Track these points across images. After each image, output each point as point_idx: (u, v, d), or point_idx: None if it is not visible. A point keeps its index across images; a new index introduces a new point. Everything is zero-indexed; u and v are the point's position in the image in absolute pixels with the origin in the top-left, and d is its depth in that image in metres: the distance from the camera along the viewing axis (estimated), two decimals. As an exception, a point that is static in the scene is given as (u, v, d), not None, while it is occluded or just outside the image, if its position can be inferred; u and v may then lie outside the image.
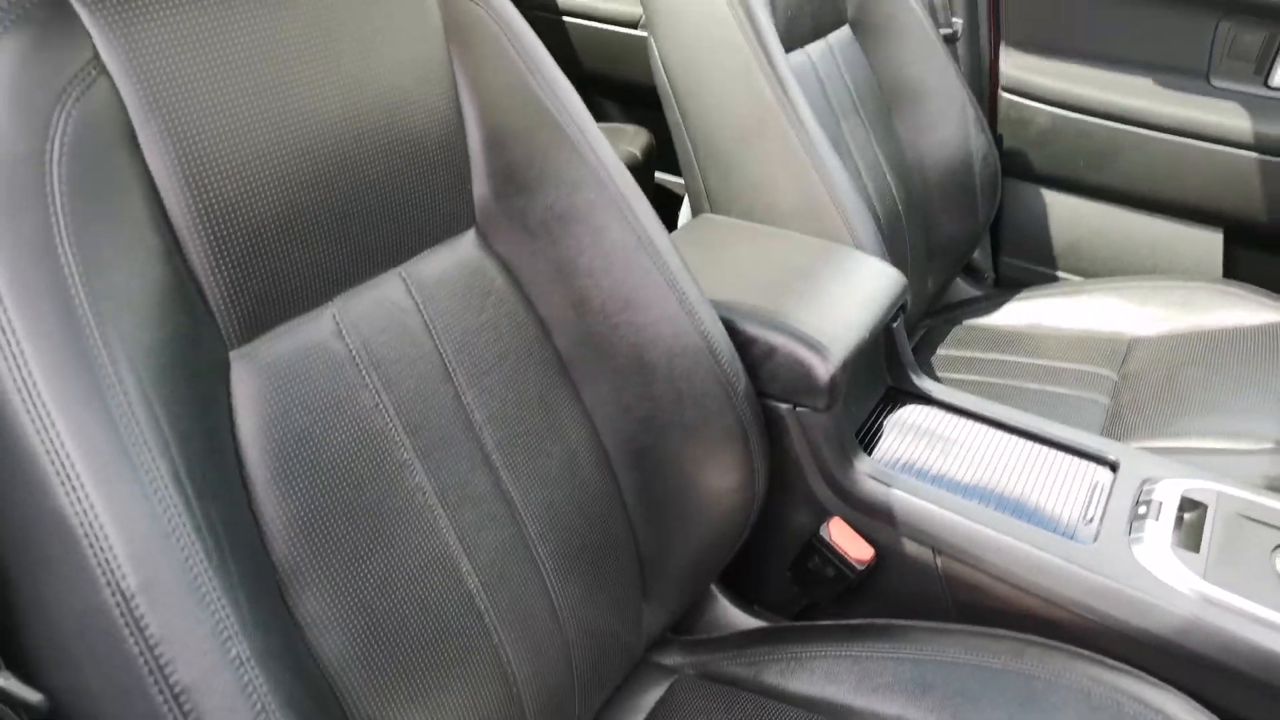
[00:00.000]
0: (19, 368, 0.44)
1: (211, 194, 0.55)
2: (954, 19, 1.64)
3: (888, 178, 1.39)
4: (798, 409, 0.87)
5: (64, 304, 0.46)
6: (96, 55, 0.51)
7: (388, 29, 0.66)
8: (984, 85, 1.73)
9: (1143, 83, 1.60)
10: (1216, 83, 1.55)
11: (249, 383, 0.58)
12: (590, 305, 0.77)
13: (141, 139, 0.53)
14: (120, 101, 0.52)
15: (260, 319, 0.60)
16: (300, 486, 0.59)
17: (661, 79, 1.22)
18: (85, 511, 0.44)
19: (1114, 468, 0.93)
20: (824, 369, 0.85)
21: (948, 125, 1.50)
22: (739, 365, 0.81)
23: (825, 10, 1.37)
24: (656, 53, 1.22)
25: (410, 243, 0.69)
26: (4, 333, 0.44)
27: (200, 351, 0.55)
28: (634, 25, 1.97)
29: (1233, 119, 1.52)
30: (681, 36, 1.17)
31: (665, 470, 0.81)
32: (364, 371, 0.64)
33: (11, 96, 0.47)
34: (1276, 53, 1.50)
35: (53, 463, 0.44)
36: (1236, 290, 1.44)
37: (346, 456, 0.62)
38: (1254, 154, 1.52)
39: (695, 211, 1.26)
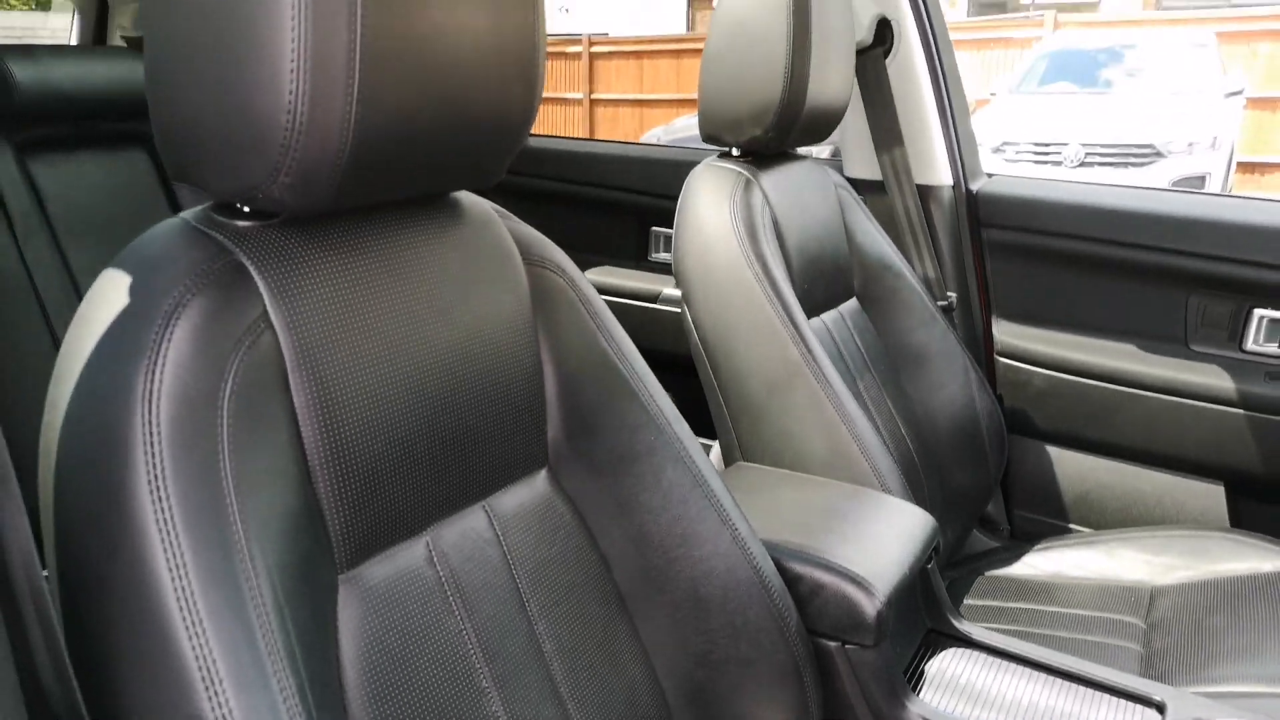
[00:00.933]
0: (181, 576, 0.50)
1: (342, 432, 0.63)
2: (949, 293, 1.81)
3: (902, 431, 1.49)
4: (846, 646, 0.90)
5: (222, 522, 0.52)
6: (265, 313, 0.61)
7: (488, 295, 0.77)
8: (981, 351, 1.88)
9: (1128, 348, 1.74)
10: (1196, 348, 1.69)
11: (353, 607, 0.63)
12: (649, 540, 0.82)
13: (292, 383, 0.61)
14: (279, 351, 0.61)
15: (368, 545, 0.65)
16: (391, 708, 0.61)
17: (695, 342, 1.35)
18: (224, 717, 0.48)
19: (1161, 709, 0.94)
20: (871, 605, 0.89)
21: (952, 386, 1.62)
22: (790, 600, 0.85)
23: (836, 284, 1.53)
24: (690, 320, 1.35)
25: (495, 479, 0.76)
26: (171, 544, 0.50)
27: (319, 573, 0.60)
28: (654, 300, 2.16)
29: (1215, 380, 1.64)
30: (712, 304, 1.31)
31: (721, 707, 0.82)
32: (451, 598, 0.69)
33: (200, 346, 0.56)
34: (1245, 320, 1.64)
35: (200, 667, 0.48)
36: (1246, 539, 1.49)
37: (433, 681, 0.65)
38: (1240, 410, 1.62)
39: (727, 462, 1.34)
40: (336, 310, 0.65)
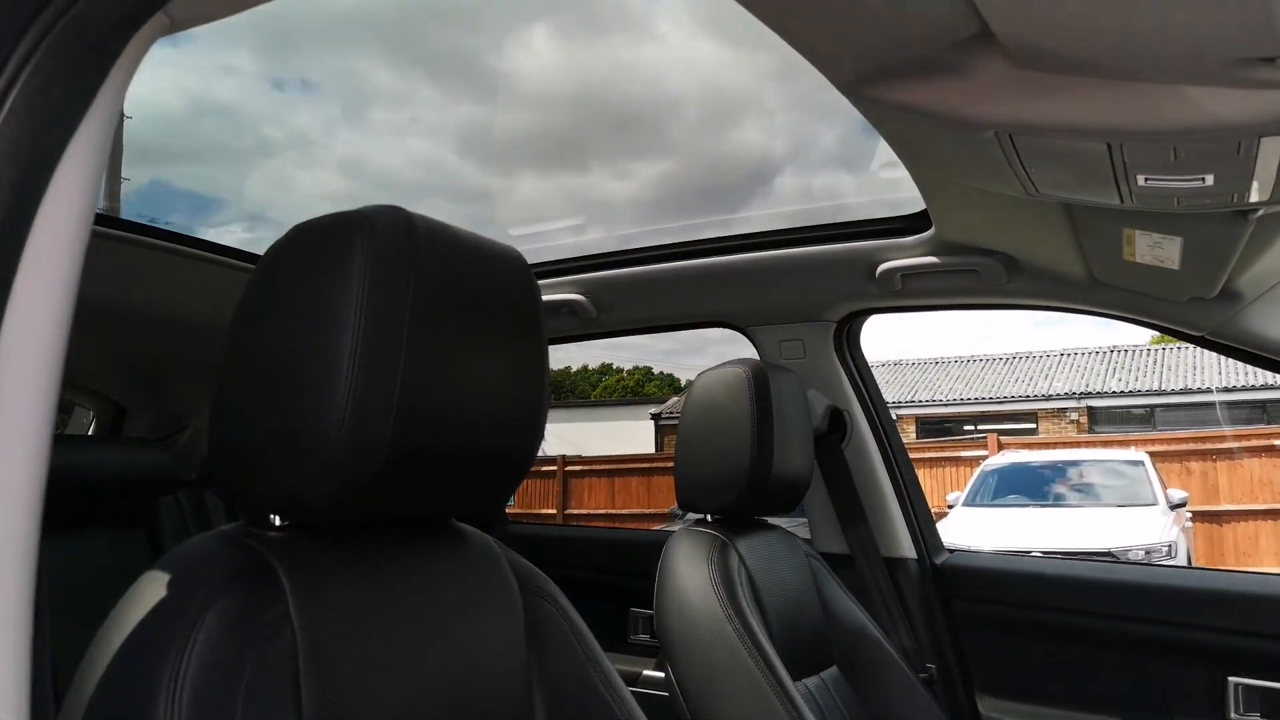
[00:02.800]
0: None
1: None
2: (928, 665, 1.82)
3: None
4: None
5: None
6: (288, 611, 0.67)
7: (486, 620, 0.82)
8: (968, 727, 1.84)
9: None
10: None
11: None
12: None
13: (303, 680, 0.66)
14: (295, 646, 0.66)
15: None
16: None
17: (680, 705, 1.34)
18: None
19: None
20: None
21: None
22: None
23: (815, 650, 1.56)
24: (674, 681, 1.36)
25: None
26: None
27: None
28: (634, 682, 2.13)
29: None
30: (696, 664, 1.33)
31: None
32: None
33: (226, 636, 0.62)
34: (1224, 690, 1.65)
35: None
36: None
37: None
38: None
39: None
40: (350, 613, 0.71)
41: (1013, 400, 16.00)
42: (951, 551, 1.97)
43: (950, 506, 8.59)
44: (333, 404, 0.67)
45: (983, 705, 1.84)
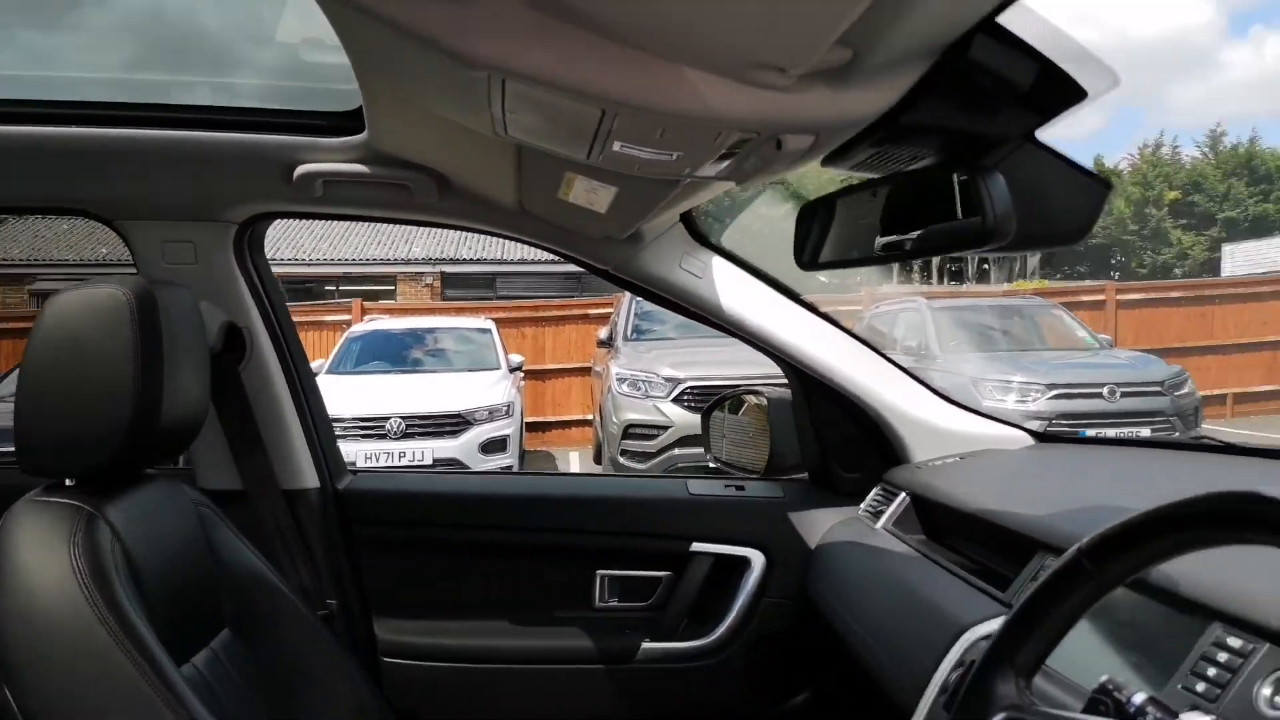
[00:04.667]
0: None
1: None
2: (329, 600, 1.72)
3: None
4: None
5: None
6: None
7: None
8: (366, 656, 1.79)
9: (502, 625, 1.82)
10: (558, 614, 1.85)
11: None
12: None
13: None
14: None
15: None
16: None
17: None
18: None
19: None
20: None
21: (341, 700, 1.50)
22: None
23: (206, 619, 1.33)
24: (14, 710, 1.02)
25: None
26: None
27: None
28: None
29: (577, 641, 1.80)
30: (53, 689, 1.02)
31: None
32: None
33: None
34: (592, 581, 1.86)
35: None
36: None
37: None
38: (600, 666, 1.80)
39: None
40: None
41: (375, 263, 16.32)
42: (354, 473, 1.87)
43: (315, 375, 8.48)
44: None
45: (380, 628, 1.81)
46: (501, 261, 16.72)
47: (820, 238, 1.03)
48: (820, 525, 1.77)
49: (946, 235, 0.81)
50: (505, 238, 1.65)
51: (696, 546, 1.80)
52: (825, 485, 1.83)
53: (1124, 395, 7.25)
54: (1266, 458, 1.29)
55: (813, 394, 1.74)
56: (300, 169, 1.43)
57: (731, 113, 0.77)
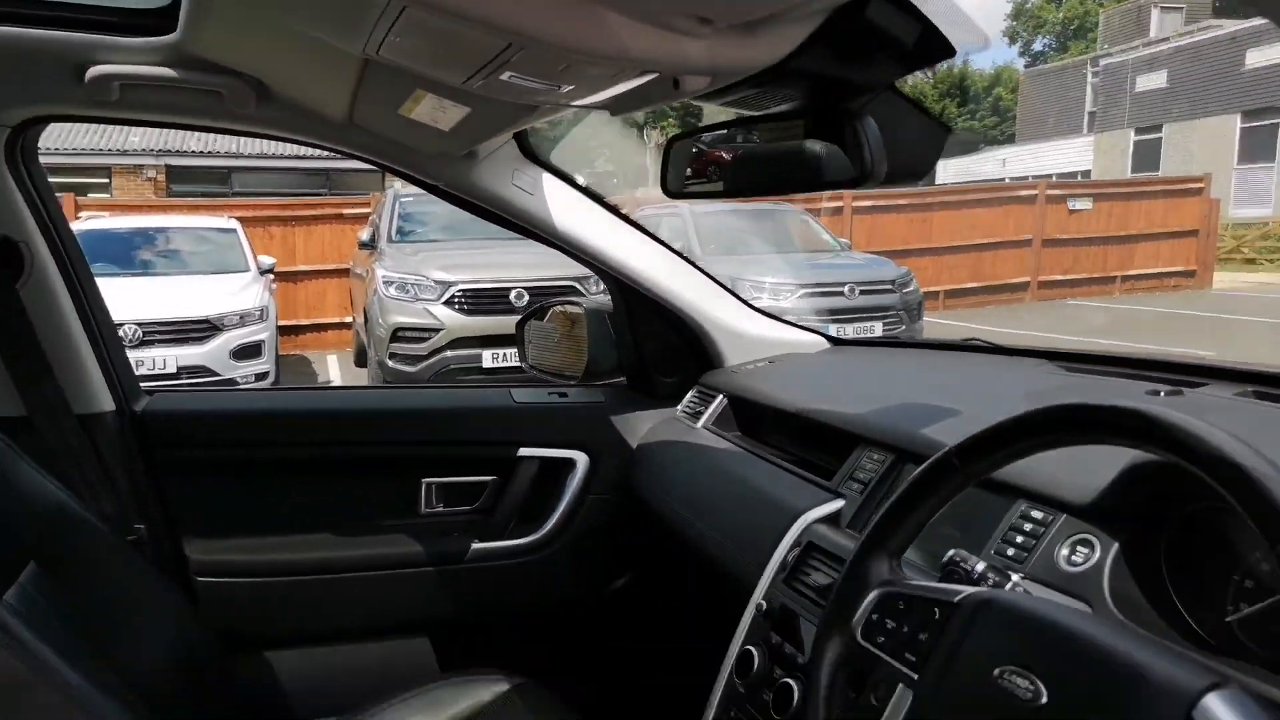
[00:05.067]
0: None
1: None
2: (137, 526, 1.62)
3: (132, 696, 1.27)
4: None
5: None
6: None
7: None
8: (180, 578, 1.72)
9: (323, 537, 1.80)
10: (383, 522, 1.86)
11: None
12: None
13: None
14: None
15: None
16: None
17: None
18: None
19: None
20: None
21: (162, 626, 1.45)
22: None
23: (8, 550, 1.23)
24: None
25: None
26: None
27: None
28: None
29: (404, 547, 1.82)
30: None
31: None
32: None
33: None
34: (417, 490, 1.87)
35: None
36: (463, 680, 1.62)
37: None
38: (429, 568, 1.83)
39: None
40: None
41: (85, 153, 14.34)
42: (151, 394, 1.74)
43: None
44: None
45: (192, 549, 1.74)
46: (236, 155, 15.31)
47: (683, 168, 1.09)
48: (641, 426, 1.88)
49: (821, 173, 0.89)
50: (325, 149, 1.57)
51: (524, 452, 1.86)
52: (644, 389, 1.94)
53: (862, 293, 8.06)
54: (1024, 356, 1.54)
55: (635, 306, 1.83)
56: (94, 70, 1.28)
57: (640, 53, 0.80)
